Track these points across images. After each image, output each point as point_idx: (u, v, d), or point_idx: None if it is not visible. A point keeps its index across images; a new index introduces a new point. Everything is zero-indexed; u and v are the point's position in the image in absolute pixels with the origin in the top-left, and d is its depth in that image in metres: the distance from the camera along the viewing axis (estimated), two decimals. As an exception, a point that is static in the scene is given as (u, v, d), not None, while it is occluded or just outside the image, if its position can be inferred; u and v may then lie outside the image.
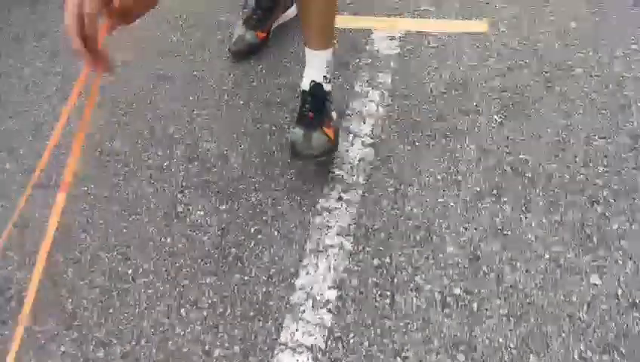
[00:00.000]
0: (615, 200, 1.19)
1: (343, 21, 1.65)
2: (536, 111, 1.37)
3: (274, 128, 1.48)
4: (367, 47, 1.58)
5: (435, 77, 1.48)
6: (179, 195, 1.41)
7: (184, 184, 1.43)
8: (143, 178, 1.46)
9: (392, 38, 1.58)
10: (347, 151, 1.40)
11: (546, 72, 1.45)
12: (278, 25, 1.66)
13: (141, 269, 1.28)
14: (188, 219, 1.36)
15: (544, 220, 1.19)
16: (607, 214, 1.17)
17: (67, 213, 1.35)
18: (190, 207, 1.38)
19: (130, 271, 1.29)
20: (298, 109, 1.33)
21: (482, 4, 1.60)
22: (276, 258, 1.25)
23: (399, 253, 1.21)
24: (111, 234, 1.35)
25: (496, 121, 1.37)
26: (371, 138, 1.41)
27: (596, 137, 1.30)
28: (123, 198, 1.44)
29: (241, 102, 1.56)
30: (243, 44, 1.62)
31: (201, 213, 1.37)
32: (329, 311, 1.11)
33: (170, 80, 1.65)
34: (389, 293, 1.12)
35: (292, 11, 1.67)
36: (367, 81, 1.51)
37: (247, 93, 1.57)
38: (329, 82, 1.31)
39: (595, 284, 1.08)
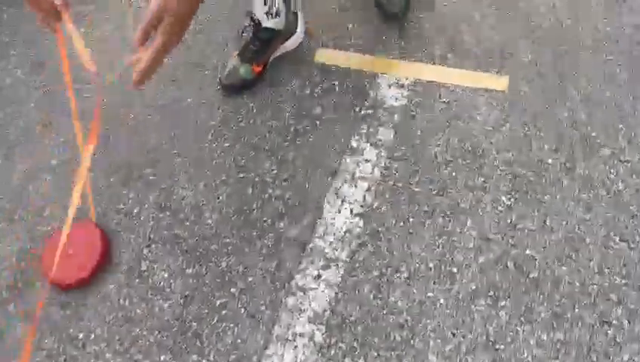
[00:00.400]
0: (630, 323, 1.03)
1: (347, 59, 1.48)
2: (552, 197, 1.19)
3: (257, 180, 1.33)
4: (371, 94, 1.41)
5: (442, 139, 1.30)
6: (145, 250, 1.28)
7: (152, 236, 1.30)
8: (111, 224, 1.33)
9: (400, 86, 1.41)
10: (334, 219, 1.25)
11: (568, 149, 1.26)
12: (275, 57, 1.50)
13: (93, 335, 1.17)
14: (151, 280, 1.24)
15: (545, 337, 1.03)
16: (618, 339, 1.01)
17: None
18: (155, 266, 1.26)
19: (81, 336, 1.18)
20: None
21: (506, 56, 1.41)
22: (239, 341, 1.13)
23: (375, 354, 1.07)
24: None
25: (504, 203, 1.20)
26: (362, 206, 1.25)
27: (617, 239, 1.12)
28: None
29: (227, 144, 1.41)
30: (236, 78, 1.46)
31: (166, 274, 1.24)
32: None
33: (159, 108, 1.51)
34: (355, 408, 0.98)
35: (293, 41, 1.50)
36: (366, 135, 1.35)
37: (235, 134, 1.42)
38: None
39: None
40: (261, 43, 1.44)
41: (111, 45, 1.65)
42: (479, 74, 1.38)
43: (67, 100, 1.19)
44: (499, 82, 1.36)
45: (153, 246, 1.29)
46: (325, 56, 1.49)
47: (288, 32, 1.48)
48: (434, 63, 1.42)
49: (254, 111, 1.44)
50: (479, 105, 1.33)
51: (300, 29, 1.50)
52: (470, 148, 1.28)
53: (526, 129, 1.28)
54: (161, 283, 1.23)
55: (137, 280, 1.25)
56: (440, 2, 1.51)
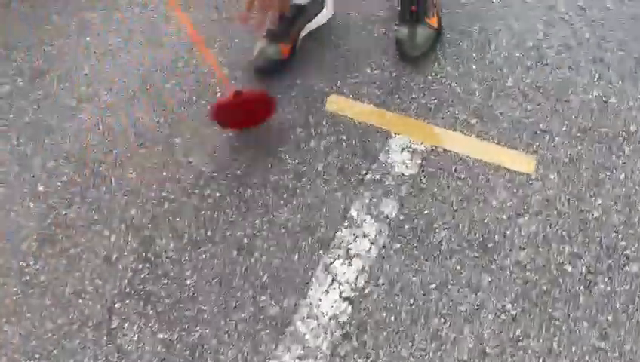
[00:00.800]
0: None
1: (360, 111, 1.34)
2: (564, 315, 1.05)
3: (244, 241, 1.23)
4: (381, 157, 1.27)
5: (451, 223, 1.17)
6: (117, 304, 1.21)
7: (127, 290, 1.22)
8: (87, 269, 1.26)
9: (413, 151, 1.27)
10: (320, 300, 1.14)
11: (591, 257, 1.11)
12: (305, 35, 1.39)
13: (52, 396, 1.11)
14: (119, 341, 1.17)
15: None
16: None
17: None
18: (125, 326, 1.18)
19: (40, 396, 1.12)
20: (399, 5, 1.34)
21: (538, 133, 1.25)
22: None
23: None
24: (34, 334, 1.18)
25: (508, 312, 1.07)
26: (352, 289, 1.14)
27: (634, 379, 0.98)
28: (59, 291, 1.25)
29: (218, 194, 1.31)
30: (264, 59, 1.38)
31: (135, 337, 1.16)
32: None
33: (151, 141, 1.42)
34: None
35: (322, 17, 1.41)
36: (368, 206, 1.22)
37: (228, 184, 1.32)
38: None
39: None
40: (286, 21, 1.35)
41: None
42: (504, 149, 1.22)
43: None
44: (525, 163, 1.20)
45: (127, 301, 1.21)
46: (337, 104, 1.36)
47: (315, 8, 1.39)
48: (455, 129, 1.27)
49: (253, 159, 1.33)
50: (498, 188, 1.19)
51: (329, 5, 1.40)
52: (481, 240, 1.14)
53: (547, 225, 1.13)
54: (130, 347, 1.15)
55: (105, 338, 1.17)
56: (471, 59, 1.35)
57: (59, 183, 1.38)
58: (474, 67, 1.34)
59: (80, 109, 1.50)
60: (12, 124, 1.52)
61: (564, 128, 1.22)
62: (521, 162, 1.20)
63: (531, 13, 1.38)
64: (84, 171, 1.39)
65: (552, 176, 1.17)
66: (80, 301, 1.23)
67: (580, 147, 1.19)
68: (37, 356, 1.18)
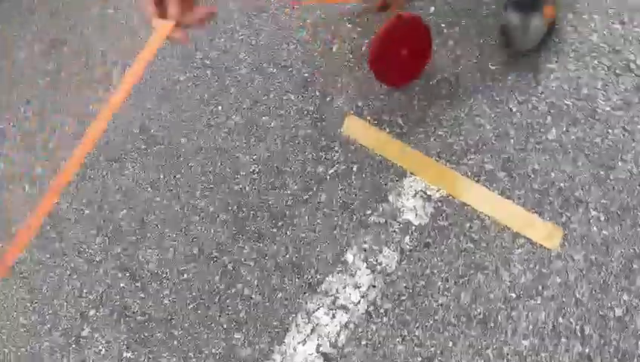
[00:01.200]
0: None
1: (376, 140, 1.21)
2: (559, 424, 0.93)
3: (229, 267, 1.15)
4: (390, 198, 1.15)
5: (453, 291, 1.04)
6: (91, 312, 1.16)
7: (103, 298, 1.17)
8: (68, 268, 1.22)
9: (427, 198, 1.13)
10: (295, 350, 1.06)
11: None
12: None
13: (12, 397, 1.09)
14: (86, 352, 1.13)
15: None
16: None
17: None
18: (95, 337, 1.14)
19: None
20: None
21: (572, 202, 1.08)
22: None
23: None
24: (7, 327, 1.16)
25: (497, 408, 0.95)
26: (331, 345, 1.05)
27: None
28: (37, 285, 1.22)
29: (211, 208, 1.23)
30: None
31: (103, 351, 1.12)
32: None
33: (157, 143, 1.34)
34: None
35: None
36: (366, 252, 1.11)
37: (224, 201, 1.23)
38: None
39: None
40: None
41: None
42: (529, 215, 1.07)
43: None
44: (549, 236, 1.05)
45: (101, 309, 1.16)
46: (354, 127, 1.23)
47: None
48: (479, 180, 1.13)
49: (256, 176, 1.23)
50: (513, 259, 1.05)
51: None
52: (482, 317, 1.02)
53: (560, 315, 1.00)
54: (95, 360, 1.11)
55: (73, 346, 1.14)
56: (512, 98, 1.18)
57: (56, 168, 1.33)
58: (514, 109, 1.17)
59: (92, 89, 1.43)
60: (21, 95, 1.46)
61: (603, 201, 1.06)
62: (545, 234, 1.05)
63: (593, 53, 1.19)
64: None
65: (577, 257, 1.02)
66: (55, 300, 1.19)
67: (616, 228, 1.03)
68: (5, 350, 1.16)
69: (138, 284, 1.17)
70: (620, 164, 1.08)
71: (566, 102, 1.16)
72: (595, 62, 1.19)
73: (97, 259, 1.21)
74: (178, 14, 0.72)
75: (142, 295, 1.16)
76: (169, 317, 1.12)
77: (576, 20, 1.23)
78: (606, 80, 1.16)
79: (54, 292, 1.20)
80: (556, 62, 1.20)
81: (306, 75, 1.32)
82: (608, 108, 1.14)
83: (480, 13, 1.28)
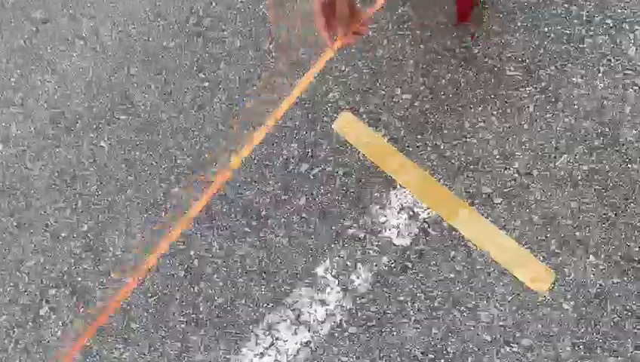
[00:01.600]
0: None
1: (368, 143, 1.10)
2: None
3: (196, 264, 1.09)
4: (373, 210, 1.05)
5: (425, 324, 0.97)
6: (52, 290, 1.13)
7: (65, 278, 1.13)
8: (34, 240, 1.17)
9: (414, 216, 1.03)
10: (251, 361, 1.01)
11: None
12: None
13: (-35, 368, 1.08)
14: (42, 331, 1.10)
15: None
16: None
17: None
18: (53, 317, 1.10)
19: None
20: None
21: (570, 243, 0.97)
22: None
23: None
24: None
25: None
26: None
27: None
28: (0, 254, 1.18)
29: (183, 196, 1.15)
30: None
31: (59, 333, 1.09)
32: None
33: (140, 115, 1.25)
34: None
35: None
36: (338, 268, 1.03)
37: (200, 184, 1.15)
38: None
39: None
40: None
41: None
42: (521, 251, 0.97)
43: None
44: (540, 278, 0.95)
45: (62, 289, 1.12)
46: (347, 125, 1.12)
47: None
48: (473, 203, 1.02)
49: (240, 172, 1.14)
50: (495, 299, 0.96)
51: None
52: (451, 356, 0.94)
53: (537, 364, 0.91)
54: (50, 341, 1.09)
55: (30, 323, 1.11)
56: (524, 113, 1.04)
57: (32, 130, 1.26)
58: (525, 126, 1.04)
59: (75, 46, 1.33)
60: (6, 43, 1.37)
61: (605, 247, 0.94)
62: (535, 275, 0.96)
63: (627, 72, 1.03)
64: (59, 123, 1.26)
65: (566, 307, 0.93)
66: (17, 273, 1.16)
67: (616, 280, 0.93)
68: (-36, 320, 1.14)
69: (101, 268, 1.12)
70: (632, 206, 0.96)
71: (584, 125, 1.03)
72: (627, 81, 1.04)
73: (63, 236, 1.16)
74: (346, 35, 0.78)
75: (102, 280, 1.11)
76: (128, 308, 1.08)
77: (615, 29, 1.06)
78: (636, 106, 1.01)
79: (16, 264, 1.16)
80: (583, 76, 1.05)
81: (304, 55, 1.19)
82: (632, 139, 1.00)
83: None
